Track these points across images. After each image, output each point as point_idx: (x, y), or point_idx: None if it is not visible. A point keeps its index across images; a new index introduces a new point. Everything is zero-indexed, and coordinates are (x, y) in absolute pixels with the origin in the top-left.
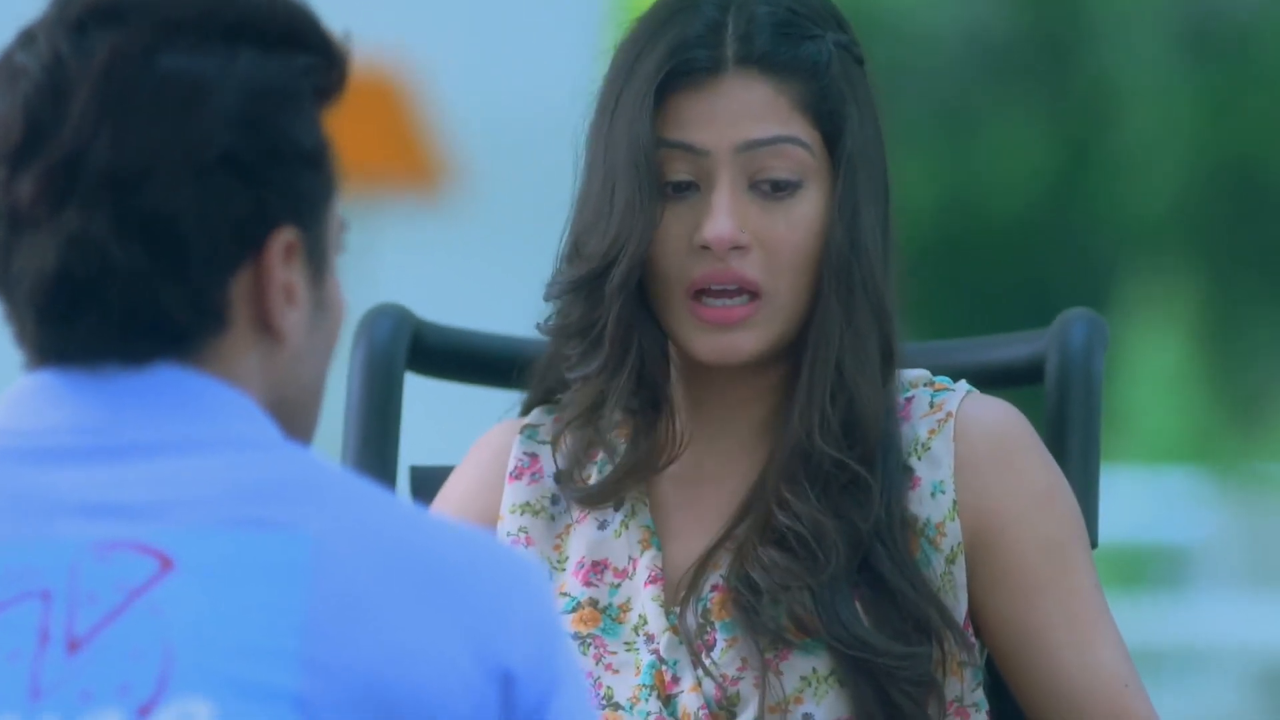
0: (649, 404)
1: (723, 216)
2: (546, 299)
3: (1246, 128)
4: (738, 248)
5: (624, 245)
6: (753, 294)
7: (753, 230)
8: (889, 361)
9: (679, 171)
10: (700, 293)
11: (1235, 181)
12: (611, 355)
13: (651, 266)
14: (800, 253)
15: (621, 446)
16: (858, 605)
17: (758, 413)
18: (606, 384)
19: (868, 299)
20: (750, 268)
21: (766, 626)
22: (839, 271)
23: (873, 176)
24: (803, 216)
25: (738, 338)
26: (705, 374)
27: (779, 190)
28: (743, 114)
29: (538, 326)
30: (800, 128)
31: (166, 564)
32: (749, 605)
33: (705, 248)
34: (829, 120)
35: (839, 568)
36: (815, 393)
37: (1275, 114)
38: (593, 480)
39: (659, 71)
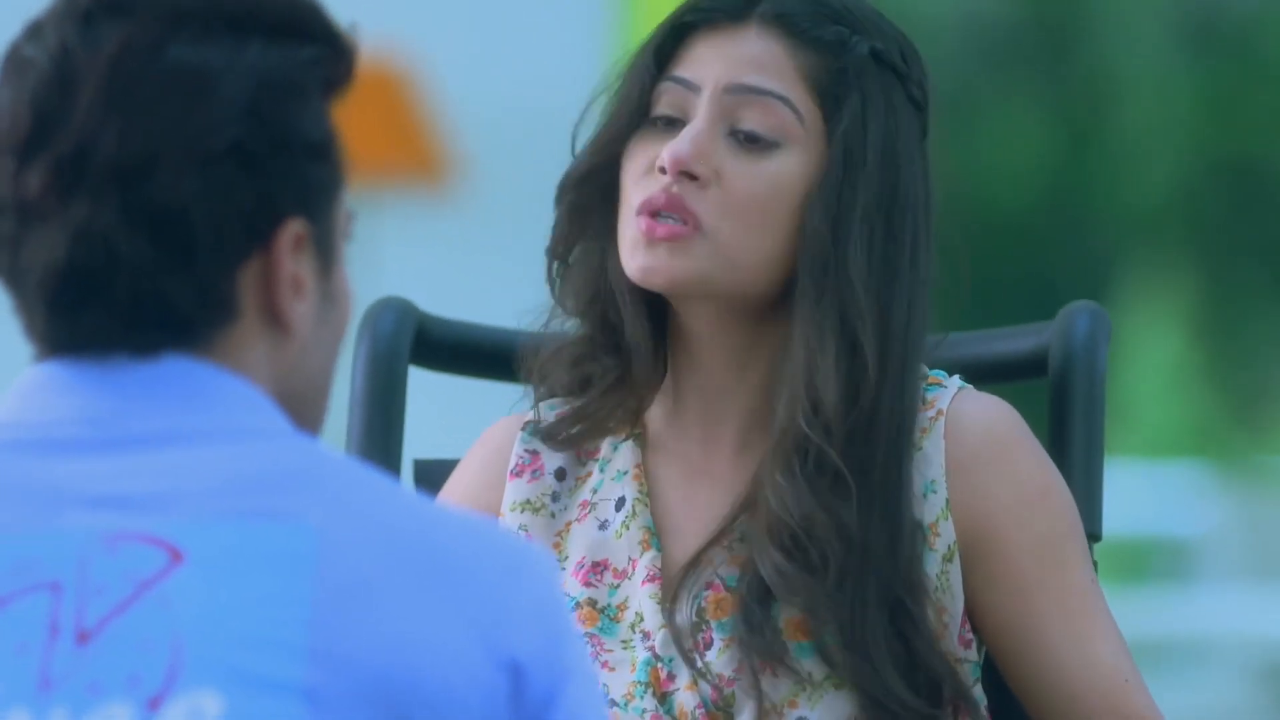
0: (610, 346)
1: (684, 141)
2: (556, 203)
3: (1247, 121)
4: (691, 177)
5: (590, 148)
6: (694, 226)
7: (715, 166)
8: (854, 351)
9: (668, 107)
10: (644, 211)
11: (1235, 174)
12: (556, 264)
13: (622, 191)
14: (757, 206)
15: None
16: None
17: (749, 407)
18: (581, 311)
19: (835, 283)
20: (696, 200)
21: (765, 640)
22: (813, 250)
23: (887, 189)
24: (772, 172)
25: (666, 258)
26: (688, 364)
27: (754, 143)
28: (745, 60)
29: (547, 250)
30: (797, 93)
31: (176, 556)
32: (757, 624)
33: (663, 171)
34: (833, 101)
35: (838, 573)
36: (796, 379)
37: (1277, 108)
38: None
39: (684, 9)
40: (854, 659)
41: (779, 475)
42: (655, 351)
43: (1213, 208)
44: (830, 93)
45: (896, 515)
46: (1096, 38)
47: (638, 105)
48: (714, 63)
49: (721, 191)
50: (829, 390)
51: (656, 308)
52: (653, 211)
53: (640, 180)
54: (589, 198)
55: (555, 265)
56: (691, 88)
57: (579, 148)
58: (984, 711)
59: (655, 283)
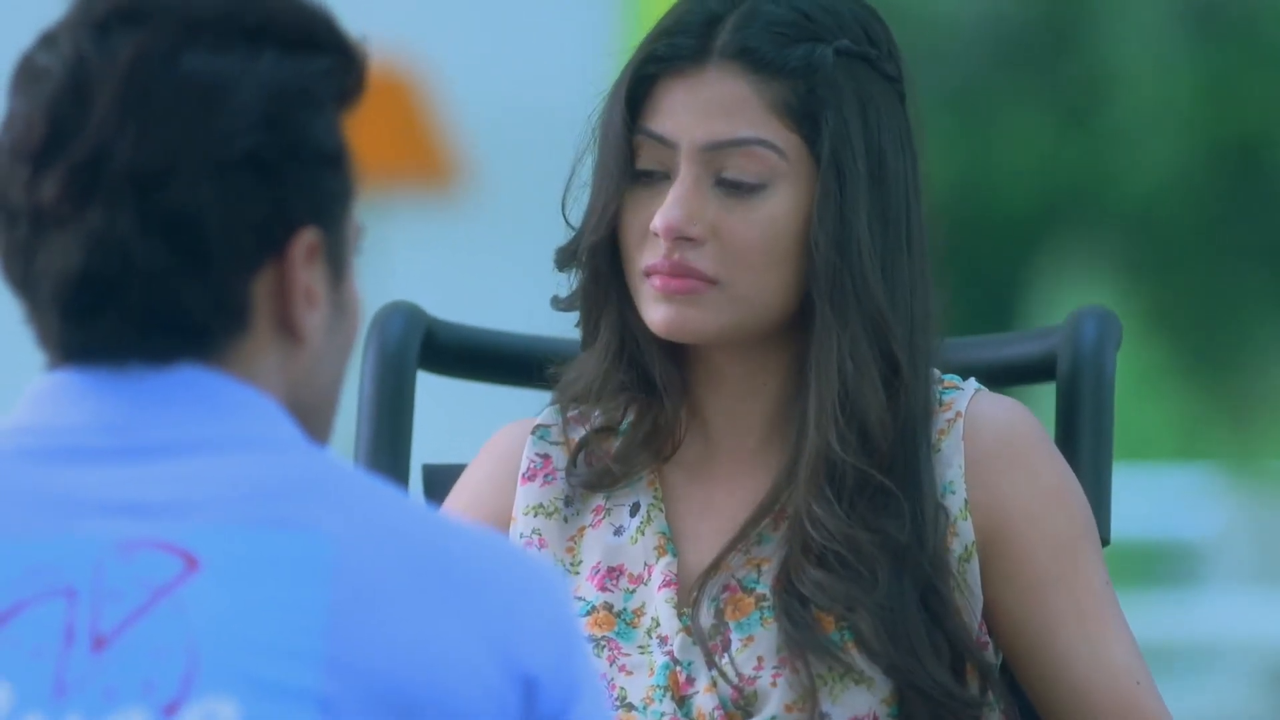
0: (642, 385)
1: (673, 207)
2: (558, 268)
3: (1252, 112)
4: (687, 239)
5: (590, 222)
6: (707, 282)
7: (710, 223)
8: (895, 368)
9: (649, 160)
10: (654, 274)
11: (1239, 166)
12: (586, 329)
13: (623, 250)
14: (760, 250)
15: (624, 428)
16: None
17: (765, 412)
18: (599, 362)
19: (859, 305)
20: (701, 260)
21: (821, 644)
22: (828, 278)
23: (877, 185)
24: (766, 215)
25: (688, 312)
26: (704, 375)
27: (741, 188)
28: (715, 109)
29: (552, 301)
30: (772, 130)
31: (191, 563)
32: (803, 621)
33: (658, 235)
34: (810, 123)
35: (887, 582)
36: (825, 403)
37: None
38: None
39: (642, 55)
40: (898, 653)
41: (815, 504)
42: (684, 391)
43: (1214, 200)
44: (806, 115)
45: (922, 507)
46: (1106, 34)
47: (622, 163)
48: (684, 114)
49: (721, 245)
50: (873, 411)
51: (676, 344)
52: (661, 273)
53: (640, 244)
54: (603, 263)
55: (586, 325)
56: (668, 144)
57: (574, 190)
58: (985, 637)
59: (680, 335)
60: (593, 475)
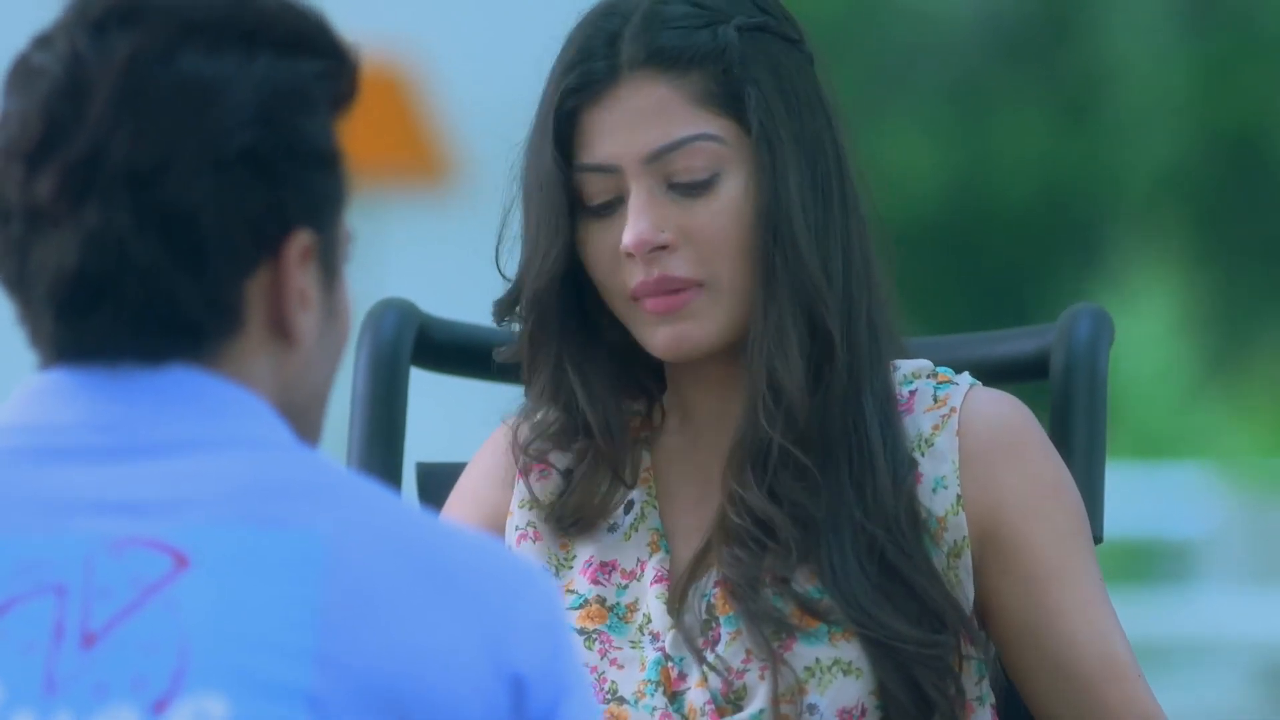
0: (585, 429)
1: (638, 221)
2: (496, 322)
3: (1249, 105)
4: (661, 248)
5: (529, 268)
6: (693, 286)
7: (676, 227)
8: (825, 340)
9: (598, 193)
10: (643, 297)
11: (1240, 161)
12: (532, 377)
13: (599, 285)
14: (729, 240)
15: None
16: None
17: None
18: (552, 409)
19: (790, 277)
20: (679, 266)
21: (770, 615)
22: (763, 254)
23: (803, 150)
24: (725, 205)
25: (686, 327)
26: (690, 374)
27: (695, 187)
28: (643, 120)
29: (495, 353)
30: (704, 122)
31: (181, 561)
32: (747, 596)
33: (631, 255)
34: (736, 104)
35: (800, 549)
36: (758, 380)
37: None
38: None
39: (558, 91)
40: (839, 599)
41: (736, 485)
42: (624, 430)
43: (1216, 195)
44: (730, 98)
45: (867, 468)
46: (1099, 27)
47: (563, 206)
48: (616, 134)
49: (694, 245)
50: (792, 378)
51: (634, 373)
52: (650, 294)
53: (616, 269)
54: (550, 310)
55: (532, 373)
56: (610, 170)
57: (507, 241)
58: (988, 642)
59: (681, 355)
60: (558, 511)
